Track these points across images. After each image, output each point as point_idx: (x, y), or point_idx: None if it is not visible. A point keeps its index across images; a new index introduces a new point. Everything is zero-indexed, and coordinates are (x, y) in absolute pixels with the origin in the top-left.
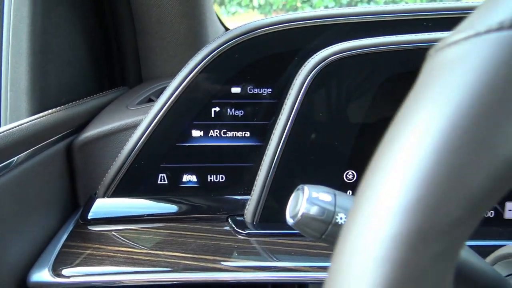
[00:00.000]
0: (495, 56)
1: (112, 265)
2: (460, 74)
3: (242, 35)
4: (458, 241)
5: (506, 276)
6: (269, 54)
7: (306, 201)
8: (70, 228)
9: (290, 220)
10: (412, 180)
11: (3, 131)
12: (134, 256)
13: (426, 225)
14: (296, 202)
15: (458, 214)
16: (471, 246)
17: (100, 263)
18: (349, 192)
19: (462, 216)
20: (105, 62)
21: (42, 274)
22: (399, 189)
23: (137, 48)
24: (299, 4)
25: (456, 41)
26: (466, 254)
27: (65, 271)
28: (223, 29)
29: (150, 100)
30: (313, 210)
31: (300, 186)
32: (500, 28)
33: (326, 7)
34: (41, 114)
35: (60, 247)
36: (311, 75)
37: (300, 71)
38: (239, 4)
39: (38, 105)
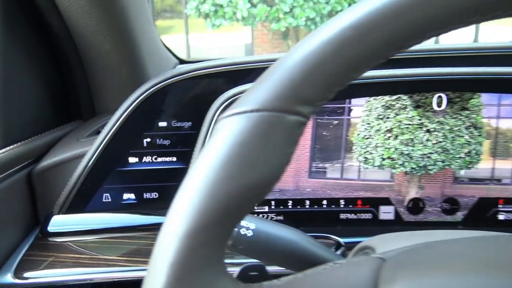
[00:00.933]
0: (240, 128)
1: (61, 268)
2: (222, 138)
3: (165, 81)
4: (220, 236)
5: None
6: (187, 95)
7: None
8: (31, 240)
9: None
10: (194, 196)
11: None
12: (80, 261)
13: (196, 225)
14: None
15: (216, 219)
16: (352, 243)
17: (52, 266)
18: None
19: (219, 220)
20: (61, 100)
21: (5, 278)
22: (187, 201)
23: (89, 87)
24: (281, 15)
25: (227, 115)
26: (314, 245)
27: (25, 274)
28: (175, 61)
29: (99, 132)
30: None
31: None
32: (249, 111)
33: (308, 17)
34: (3, 150)
35: (21, 256)
36: (218, 111)
37: (210, 108)
38: (223, 17)
39: (3, 141)
